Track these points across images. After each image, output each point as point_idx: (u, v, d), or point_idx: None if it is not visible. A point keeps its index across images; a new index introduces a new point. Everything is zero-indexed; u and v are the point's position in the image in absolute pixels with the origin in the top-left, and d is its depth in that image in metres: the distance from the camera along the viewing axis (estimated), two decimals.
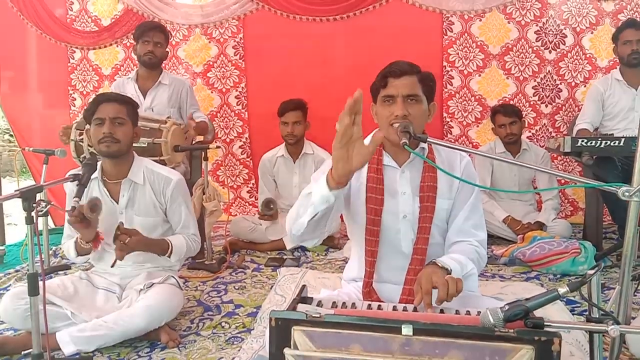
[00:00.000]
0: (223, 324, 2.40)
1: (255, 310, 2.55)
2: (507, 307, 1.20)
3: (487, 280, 2.97)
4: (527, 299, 1.22)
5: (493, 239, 3.76)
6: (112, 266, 2.23)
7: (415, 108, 1.74)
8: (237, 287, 2.89)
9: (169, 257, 2.35)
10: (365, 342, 1.22)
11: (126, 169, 2.36)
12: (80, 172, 2.12)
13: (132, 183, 2.36)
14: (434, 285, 1.48)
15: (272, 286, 2.86)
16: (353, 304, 1.50)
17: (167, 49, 3.56)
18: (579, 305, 2.49)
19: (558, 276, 3.00)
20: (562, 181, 4.25)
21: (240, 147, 4.51)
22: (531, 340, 1.16)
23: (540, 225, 3.63)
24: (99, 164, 2.38)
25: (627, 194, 1.28)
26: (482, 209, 3.29)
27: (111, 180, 2.37)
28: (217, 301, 2.68)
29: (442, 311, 1.44)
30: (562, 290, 1.19)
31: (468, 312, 1.43)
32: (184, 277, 3.03)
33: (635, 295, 2.53)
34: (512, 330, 1.18)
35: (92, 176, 2.34)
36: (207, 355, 2.09)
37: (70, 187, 2.29)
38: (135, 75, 3.52)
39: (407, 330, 1.21)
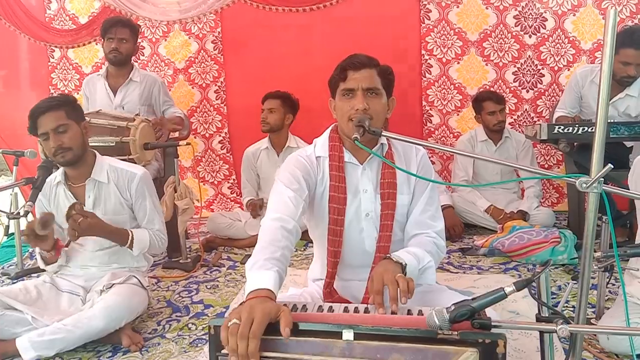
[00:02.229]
0: (190, 325, 2.33)
1: (224, 310, 2.48)
2: (452, 308, 1.16)
3: (464, 272, 2.92)
4: (473, 299, 1.18)
5: (476, 229, 3.72)
6: (67, 246, 2.21)
7: (375, 102, 1.71)
8: (209, 287, 2.83)
9: (131, 248, 2.31)
10: (306, 348, 1.18)
11: (89, 169, 2.32)
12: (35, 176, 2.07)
13: (96, 182, 2.33)
14: (385, 283, 1.44)
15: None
16: (304, 306, 1.44)
17: (137, 44, 3.46)
18: (553, 296, 2.44)
19: (537, 266, 2.95)
20: (545, 167, 4.20)
21: (219, 142, 4.45)
22: (475, 343, 1.12)
23: (523, 214, 3.57)
24: (60, 169, 2.34)
25: (584, 185, 1.23)
26: (466, 199, 3.26)
27: (75, 184, 2.34)
28: (187, 301, 2.63)
29: (394, 312, 1.39)
30: (508, 289, 1.15)
31: (420, 312, 1.38)
32: (157, 277, 2.98)
33: (614, 284, 2.50)
34: (455, 333, 1.13)
35: (56, 180, 2.32)
36: (168, 359, 2.04)
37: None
38: (105, 72, 3.43)
39: (347, 335, 1.17)
